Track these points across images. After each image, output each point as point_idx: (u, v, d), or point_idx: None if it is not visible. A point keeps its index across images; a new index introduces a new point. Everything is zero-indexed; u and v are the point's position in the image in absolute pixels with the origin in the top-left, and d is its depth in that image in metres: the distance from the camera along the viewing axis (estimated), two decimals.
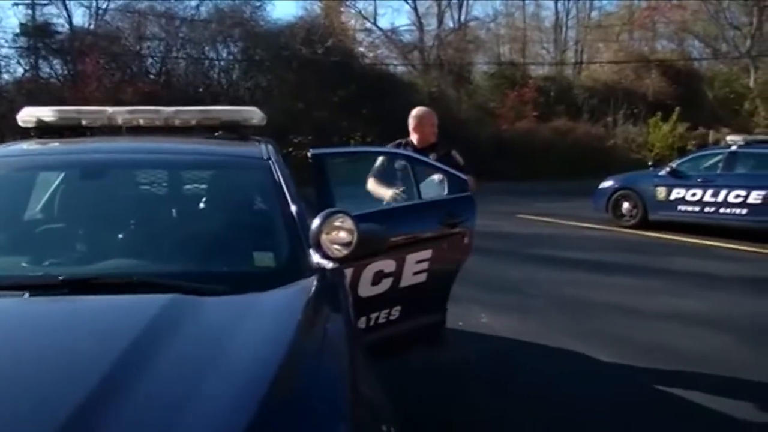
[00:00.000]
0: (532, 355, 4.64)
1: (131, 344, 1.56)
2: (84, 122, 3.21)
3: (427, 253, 3.67)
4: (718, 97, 27.62)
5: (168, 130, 3.28)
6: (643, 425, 3.57)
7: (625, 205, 11.06)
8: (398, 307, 3.66)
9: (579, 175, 17.77)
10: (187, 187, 2.86)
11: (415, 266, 3.63)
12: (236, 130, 3.20)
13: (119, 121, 3.18)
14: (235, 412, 1.35)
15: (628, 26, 32.25)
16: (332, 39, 21.27)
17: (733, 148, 10.23)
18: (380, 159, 4.38)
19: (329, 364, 1.66)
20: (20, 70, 20.87)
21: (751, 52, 29.29)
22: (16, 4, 21.19)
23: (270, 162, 2.61)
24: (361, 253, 2.12)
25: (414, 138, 4.56)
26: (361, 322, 3.50)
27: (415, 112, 4.63)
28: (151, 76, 20.41)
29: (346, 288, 2.30)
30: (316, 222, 2.02)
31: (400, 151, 4.18)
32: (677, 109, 22.14)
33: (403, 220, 3.66)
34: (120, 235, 2.39)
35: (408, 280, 3.60)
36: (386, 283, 3.51)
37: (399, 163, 4.27)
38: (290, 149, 17.83)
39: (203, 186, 2.88)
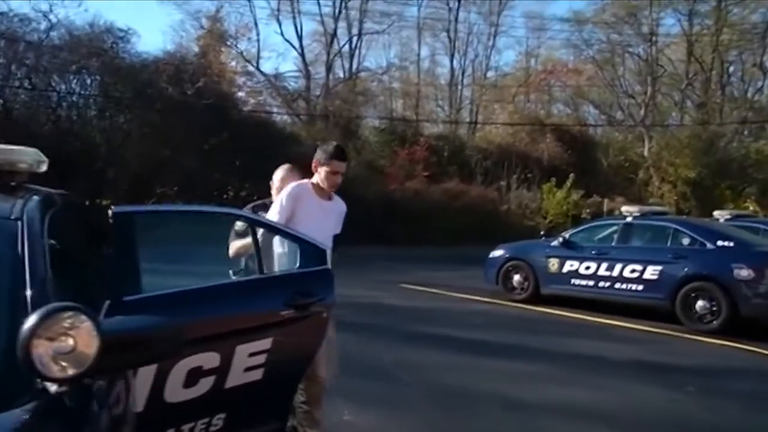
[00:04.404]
0: None
1: None
2: None
3: (265, 343, 3.13)
4: (612, 165, 29.20)
5: None
6: None
7: (516, 277, 10.98)
8: (222, 415, 3.08)
9: (470, 241, 17.88)
10: None
11: (248, 360, 3.09)
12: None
13: None
14: None
15: (524, 88, 33.86)
16: (205, 79, 20.61)
17: (629, 219, 10.36)
18: (237, 223, 3.90)
19: None
20: None
21: (645, 122, 31.38)
22: None
23: (18, 223, 1.99)
24: (117, 364, 1.55)
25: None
26: None
27: (284, 172, 4.27)
28: None
29: (101, 415, 1.71)
30: (28, 323, 1.41)
31: (238, 210, 3.66)
32: (572, 175, 23.05)
33: (235, 301, 3.13)
34: None
35: (237, 378, 3.05)
36: (206, 384, 2.94)
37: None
38: (152, 201, 16.79)
39: None
